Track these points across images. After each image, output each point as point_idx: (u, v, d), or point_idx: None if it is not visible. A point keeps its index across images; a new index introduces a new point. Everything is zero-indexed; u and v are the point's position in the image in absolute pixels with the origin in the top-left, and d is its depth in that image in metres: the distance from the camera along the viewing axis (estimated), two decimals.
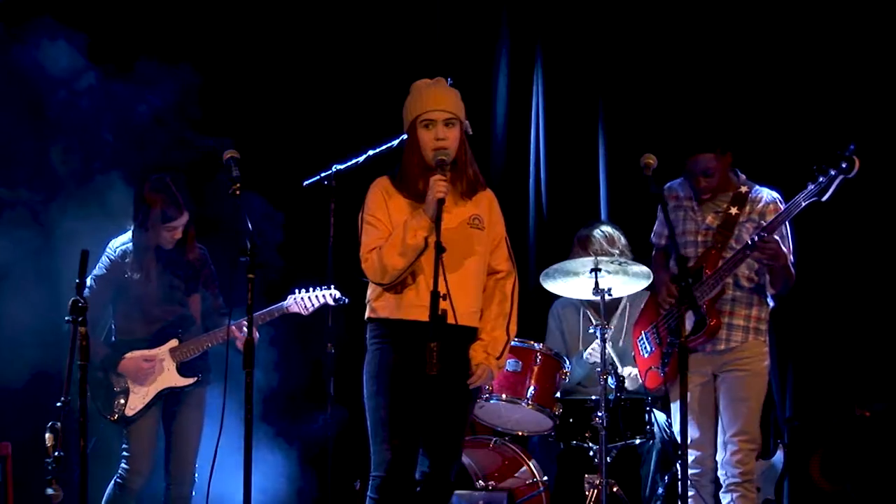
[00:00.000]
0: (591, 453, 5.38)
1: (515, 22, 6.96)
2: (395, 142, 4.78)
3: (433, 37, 6.80)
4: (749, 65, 6.58)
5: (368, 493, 4.14)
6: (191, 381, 5.06)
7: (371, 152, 4.95)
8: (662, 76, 6.68)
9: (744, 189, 4.90)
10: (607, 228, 5.89)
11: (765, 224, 4.75)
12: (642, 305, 5.33)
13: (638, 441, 5.45)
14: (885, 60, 6.42)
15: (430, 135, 4.13)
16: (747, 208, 4.87)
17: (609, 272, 5.36)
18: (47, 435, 4.05)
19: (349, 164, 4.99)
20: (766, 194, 4.91)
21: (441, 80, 4.24)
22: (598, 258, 5.40)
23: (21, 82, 5.64)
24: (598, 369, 5.31)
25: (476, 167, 4.27)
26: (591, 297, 5.44)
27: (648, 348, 5.09)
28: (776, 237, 4.72)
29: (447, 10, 6.87)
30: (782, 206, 4.83)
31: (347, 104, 6.62)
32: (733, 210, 4.87)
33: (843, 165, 4.52)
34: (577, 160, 6.86)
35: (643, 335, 5.14)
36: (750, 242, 4.69)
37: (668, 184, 5.04)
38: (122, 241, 5.09)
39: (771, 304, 4.93)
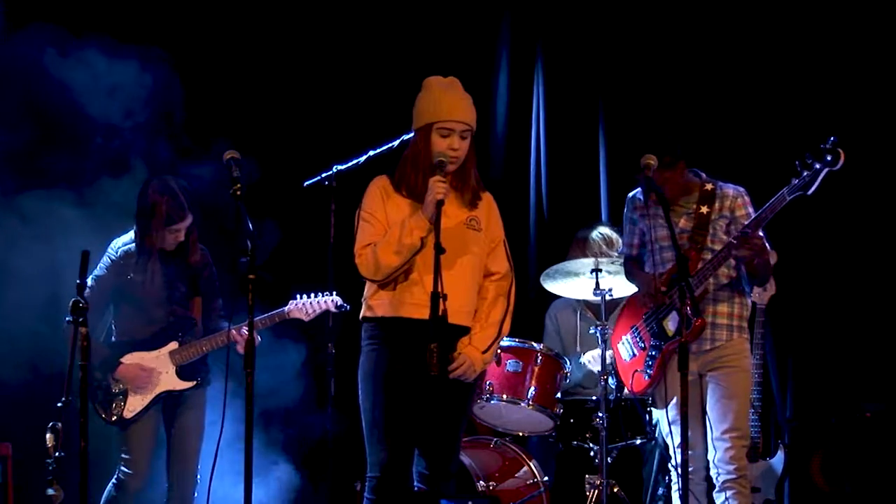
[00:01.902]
0: (592, 454, 5.39)
1: (516, 22, 6.96)
2: (396, 142, 4.77)
3: (433, 36, 6.80)
4: (746, 62, 6.60)
5: (365, 493, 4.15)
6: (190, 384, 5.04)
7: (371, 152, 4.95)
8: (663, 76, 6.68)
9: (709, 186, 4.88)
10: (605, 230, 5.89)
11: (738, 218, 4.74)
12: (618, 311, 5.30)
13: (638, 441, 5.45)
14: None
15: (444, 143, 4.13)
16: (717, 205, 4.86)
17: (609, 273, 5.36)
18: (48, 435, 4.05)
19: (350, 164, 4.98)
20: (732, 189, 4.90)
21: (456, 83, 4.23)
22: (599, 259, 5.41)
23: (17, 78, 5.64)
24: (599, 370, 5.32)
25: (476, 171, 4.28)
26: (591, 297, 5.44)
27: (631, 352, 5.05)
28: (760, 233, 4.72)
29: (447, 10, 6.87)
30: (748, 200, 4.83)
31: (347, 104, 6.62)
32: (704, 209, 4.85)
33: (828, 158, 4.50)
34: (577, 160, 6.86)
35: (623, 339, 5.09)
36: (735, 241, 4.67)
37: (631, 194, 5.01)
38: (123, 242, 5.08)
39: (749, 300, 4.94)
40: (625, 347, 5.07)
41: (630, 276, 5.11)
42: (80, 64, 5.59)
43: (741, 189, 4.89)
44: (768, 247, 4.77)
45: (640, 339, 4.98)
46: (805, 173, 4.54)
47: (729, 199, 4.85)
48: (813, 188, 4.56)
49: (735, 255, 4.70)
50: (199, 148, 5.55)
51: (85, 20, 5.77)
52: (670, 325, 4.81)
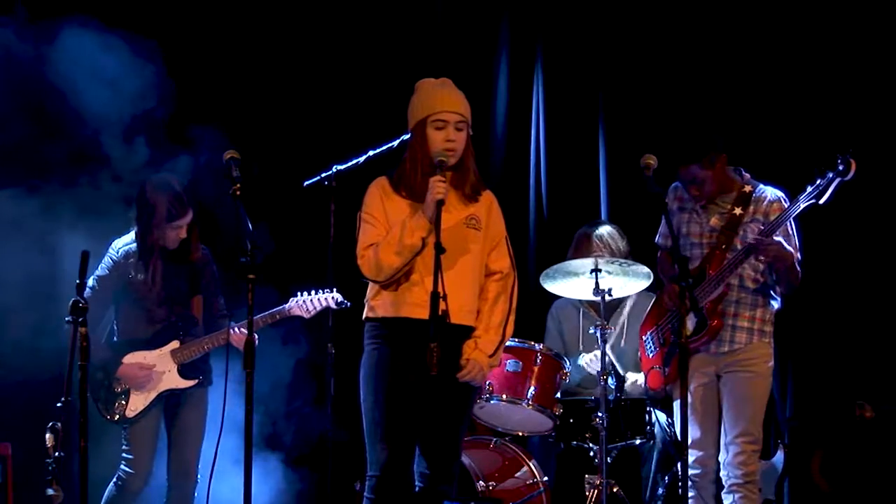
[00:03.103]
0: (592, 454, 5.39)
1: (516, 22, 6.96)
2: (396, 142, 4.77)
3: (433, 37, 6.80)
4: (750, 64, 6.58)
5: (365, 493, 4.15)
6: (192, 382, 5.06)
7: (371, 152, 4.94)
8: (663, 76, 6.68)
9: (747, 188, 4.89)
10: (607, 229, 5.88)
11: (769, 223, 4.76)
12: (648, 306, 5.33)
13: (638, 441, 5.45)
14: (889, 60, 6.42)
15: (440, 136, 4.14)
16: (751, 208, 4.87)
17: (610, 272, 5.35)
18: (48, 435, 4.05)
19: (349, 164, 4.98)
20: (770, 193, 4.91)
21: (448, 82, 4.26)
22: (599, 258, 5.40)
23: (19, 77, 5.62)
24: (598, 370, 5.32)
25: (476, 167, 4.28)
26: (591, 297, 5.44)
27: (653, 348, 5.11)
28: (779, 238, 4.72)
29: (447, 10, 6.87)
30: (787, 204, 4.83)
31: (347, 104, 6.62)
32: (737, 210, 4.86)
33: (840, 168, 4.54)
34: (577, 160, 6.86)
35: (648, 335, 5.15)
36: (750, 244, 4.69)
37: (674, 184, 5.04)
38: (125, 242, 5.09)
39: (776, 305, 4.93)
40: (648, 344, 5.11)
41: (659, 271, 5.13)
42: (80, 64, 5.57)
43: (780, 193, 4.89)
44: (792, 252, 4.77)
45: (661, 336, 5.01)
46: (819, 181, 4.58)
47: (764, 203, 4.86)
48: (825, 198, 4.58)
49: (757, 259, 4.72)
50: (199, 148, 5.54)
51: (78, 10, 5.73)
52: (689, 324, 4.81)
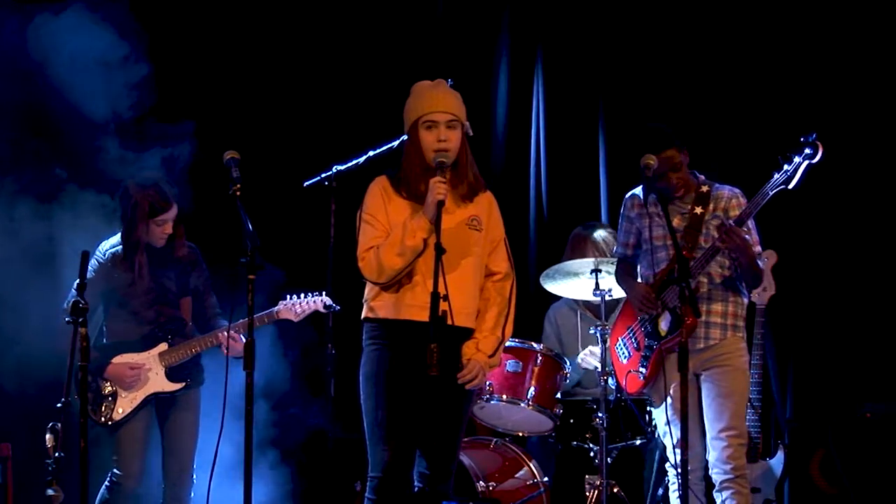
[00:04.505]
0: (592, 454, 5.39)
1: (516, 22, 6.96)
2: (396, 142, 4.77)
3: (433, 37, 6.80)
4: (741, 65, 6.60)
5: (366, 494, 4.15)
6: (179, 385, 5.03)
7: (371, 153, 4.95)
8: (664, 76, 6.68)
9: (704, 188, 4.90)
10: (602, 232, 5.88)
11: (731, 219, 4.76)
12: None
13: (638, 442, 5.45)
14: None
15: (432, 136, 4.14)
16: (711, 206, 4.87)
17: (609, 273, 5.36)
18: (48, 436, 4.06)
19: (350, 164, 4.99)
20: (728, 190, 4.91)
21: (442, 82, 4.26)
22: (599, 259, 5.41)
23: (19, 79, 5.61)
24: (598, 370, 5.32)
25: (476, 169, 4.28)
26: (590, 297, 5.44)
27: (627, 353, 5.05)
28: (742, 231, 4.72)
29: (448, 10, 6.87)
30: (744, 200, 4.84)
31: (347, 105, 6.62)
32: (698, 210, 4.86)
33: (808, 151, 4.55)
34: (577, 160, 6.86)
35: (620, 341, 5.10)
36: (718, 235, 4.68)
37: (630, 192, 5.03)
38: (111, 244, 5.07)
39: (745, 300, 4.94)
40: (621, 349, 5.08)
41: (620, 279, 5.11)
42: (80, 64, 5.55)
43: (737, 190, 4.90)
44: (756, 246, 4.78)
45: (635, 340, 4.99)
46: (786, 167, 4.58)
47: (723, 200, 4.86)
48: (794, 182, 4.58)
49: (720, 248, 4.71)
50: (198, 148, 5.54)
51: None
52: (663, 325, 4.83)
